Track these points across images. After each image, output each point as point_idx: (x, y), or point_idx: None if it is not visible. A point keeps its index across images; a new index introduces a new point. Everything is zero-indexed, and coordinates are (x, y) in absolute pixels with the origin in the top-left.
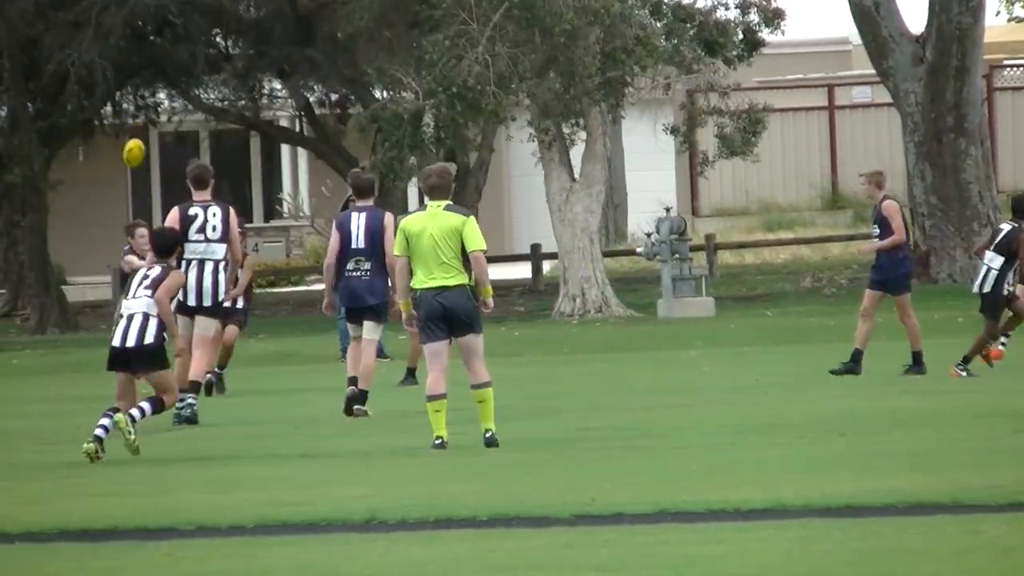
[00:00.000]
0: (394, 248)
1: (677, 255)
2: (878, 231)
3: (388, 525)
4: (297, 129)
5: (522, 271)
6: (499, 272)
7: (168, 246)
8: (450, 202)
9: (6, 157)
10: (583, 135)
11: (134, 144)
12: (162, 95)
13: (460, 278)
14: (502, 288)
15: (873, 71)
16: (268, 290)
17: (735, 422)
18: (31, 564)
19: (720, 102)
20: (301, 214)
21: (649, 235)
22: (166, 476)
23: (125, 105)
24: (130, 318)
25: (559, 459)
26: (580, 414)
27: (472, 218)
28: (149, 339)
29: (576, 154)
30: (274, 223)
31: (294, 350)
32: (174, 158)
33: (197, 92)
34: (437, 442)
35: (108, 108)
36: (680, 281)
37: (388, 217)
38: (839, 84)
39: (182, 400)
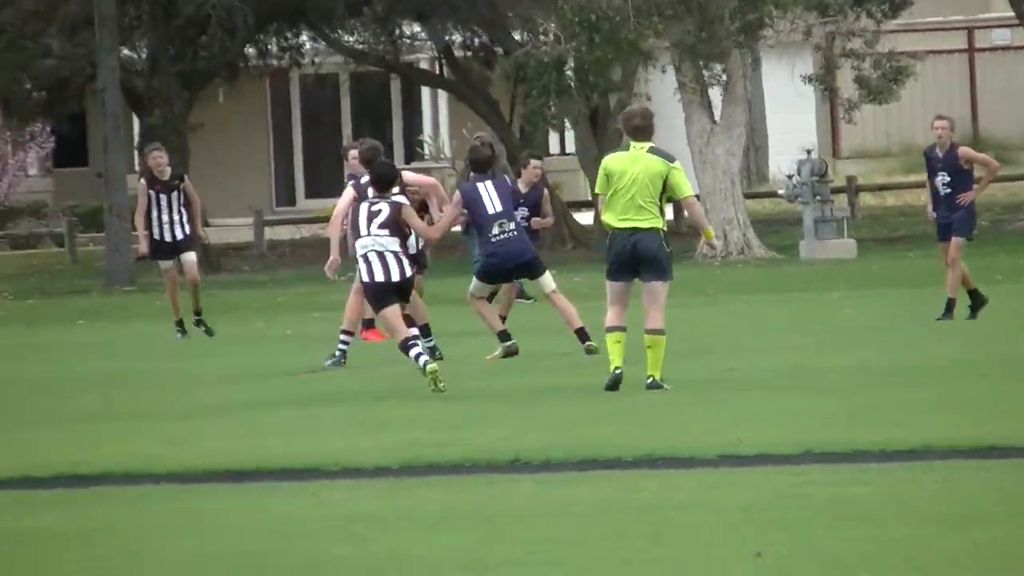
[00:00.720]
0: (596, 186)
1: (818, 197)
2: (948, 178)
3: (532, 466)
4: (437, 72)
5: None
6: None
7: (388, 181)
8: (654, 144)
9: (147, 99)
10: (723, 78)
11: None
12: (304, 37)
13: (655, 221)
14: None
15: (1012, 14)
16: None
17: (877, 363)
18: (177, 504)
19: (860, 47)
20: (442, 156)
21: (790, 177)
22: (311, 417)
23: (267, 47)
24: (381, 255)
25: (703, 400)
26: (724, 355)
27: (678, 163)
28: (408, 272)
29: (717, 97)
30: (415, 165)
31: (437, 291)
32: (315, 101)
33: (338, 35)
34: (616, 372)
35: (250, 50)
36: (821, 223)
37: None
38: (979, 27)
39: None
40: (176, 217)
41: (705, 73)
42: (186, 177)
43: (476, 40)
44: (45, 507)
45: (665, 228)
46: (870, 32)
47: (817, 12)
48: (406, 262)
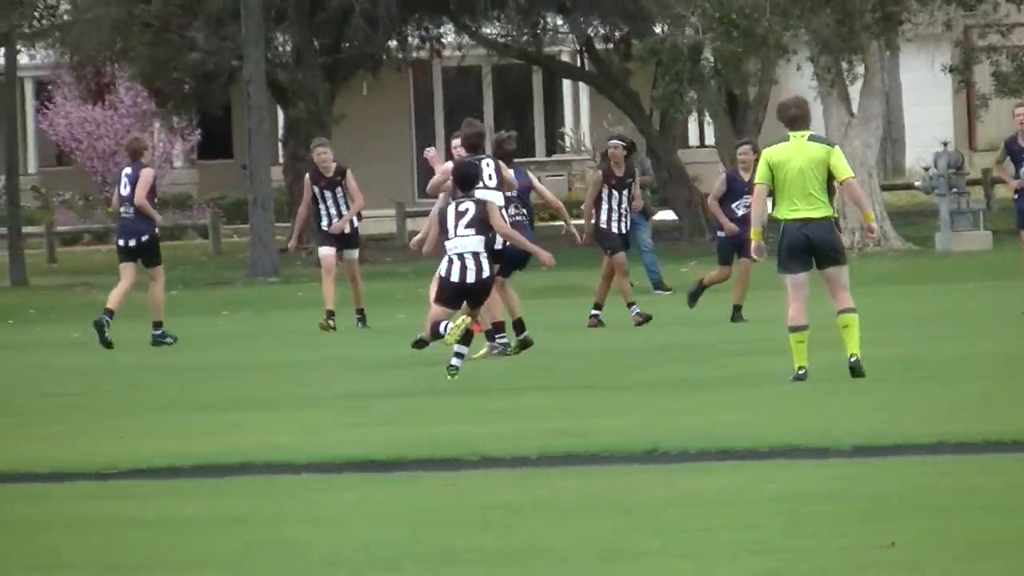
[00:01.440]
0: (756, 176)
1: (955, 189)
2: None
3: (669, 456)
4: (578, 64)
5: None
6: None
7: (471, 180)
8: (812, 132)
9: (291, 92)
10: (861, 70)
11: None
12: (446, 29)
13: (825, 210)
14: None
15: None
16: (550, 223)
17: (1013, 354)
18: (317, 493)
19: (998, 40)
20: (583, 148)
21: (927, 169)
22: (450, 406)
23: (410, 39)
24: (461, 257)
25: (839, 391)
26: (865, 346)
27: (837, 147)
28: (485, 274)
29: (854, 89)
30: (556, 157)
31: (576, 283)
32: (457, 92)
33: (480, 27)
34: (800, 373)
35: (392, 43)
36: (958, 215)
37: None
38: None
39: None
40: (342, 211)
41: (843, 66)
42: (348, 172)
43: (617, 33)
44: (189, 496)
45: (836, 215)
46: (1008, 25)
47: (956, 4)
48: (485, 265)
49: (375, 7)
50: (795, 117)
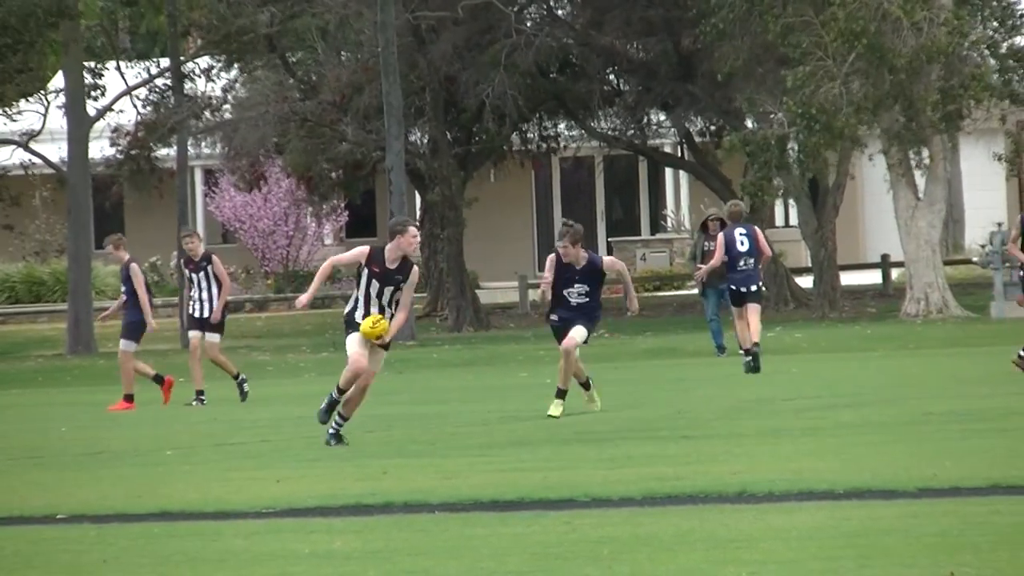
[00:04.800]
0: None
1: (1008, 263)
2: None
3: (757, 497)
4: (679, 154)
5: (873, 277)
6: (853, 278)
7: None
8: None
9: (428, 179)
10: (926, 160)
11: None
12: (562, 125)
13: None
14: (856, 291)
15: None
16: (654, 294)
17: None
18: (448, 531)
19: None
20: (682, 227)
21: (983, 246)
22: (565, 454)
23: (530, 134)
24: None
25: (905, 439)
26: (924, 400)
27: None
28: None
29: (920, 176)
30: (659, 236)
31: (676, 346)
32: (572, 179)
33: (593, 123)
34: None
35: (515, 137)
36: (1011, 286)
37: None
38: None
39: None
40: (211, 294)
41: (911, 156)
42: (214, 258)
43: (712, 127)
44: (339, 532)
45: None
46: None
47: (1009, 101)
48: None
49: (503, 105)
50: None
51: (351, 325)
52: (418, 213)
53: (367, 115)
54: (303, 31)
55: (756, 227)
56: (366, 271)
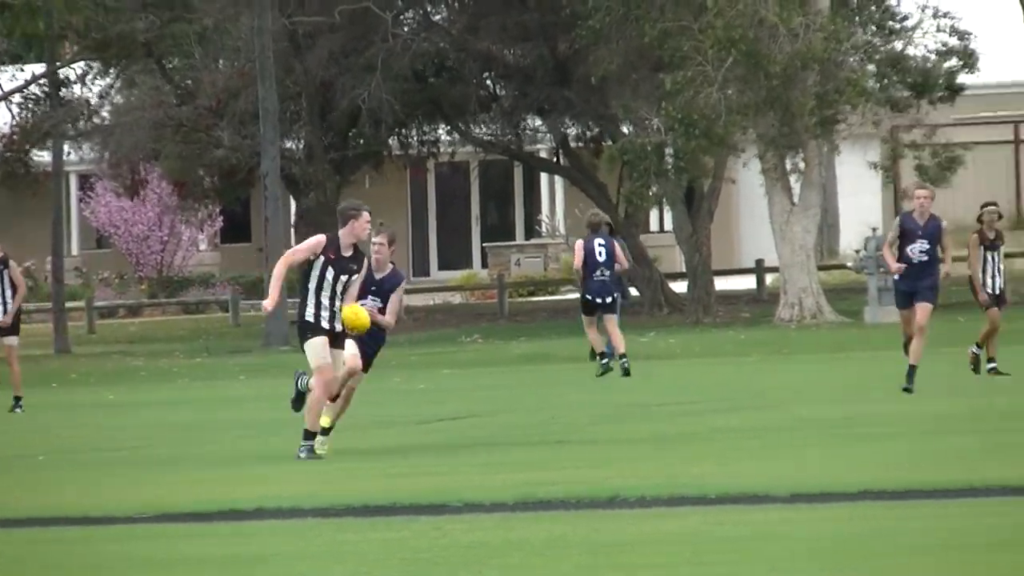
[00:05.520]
0: None
1: (881, 269)
2: (928, 246)
3: (630, 502)
4: (554, 160)
5: (748, 282)
6: (727, 283)
7: None
8: None
9: (303, 184)
10: (802, 165)
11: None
12: (439, 130)
13: None
14: (731, 297)
15: None
16: (528, 299)
17: (933, 412)
18: (320, 536)
19: (921, 138)
20: (557, 233)
21: (857, 251)
22: (438, 459)
23: (409, 139)
24: None
25: (779, 445)
26: (798, 406)
27: None
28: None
29: (795, 181)
30: (533, 241)
31: (550, 351)
32: (448, 185)
33: (469, 128)
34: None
35: (393, 141)
36: (884, 291)
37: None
38: None
39: None
40: (6, 296)
41: (787, 161)
42: (11, 262)
43: (588, 132)
44: (211, 536)
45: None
46: (929, 126)
47: (888, 107)
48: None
49: (379, 110)
50: None
51: (310, 329)
52: (292, 218)
53: (243, 120)
54: (181, 37)
55: (615, 239)
56: (322, 259)
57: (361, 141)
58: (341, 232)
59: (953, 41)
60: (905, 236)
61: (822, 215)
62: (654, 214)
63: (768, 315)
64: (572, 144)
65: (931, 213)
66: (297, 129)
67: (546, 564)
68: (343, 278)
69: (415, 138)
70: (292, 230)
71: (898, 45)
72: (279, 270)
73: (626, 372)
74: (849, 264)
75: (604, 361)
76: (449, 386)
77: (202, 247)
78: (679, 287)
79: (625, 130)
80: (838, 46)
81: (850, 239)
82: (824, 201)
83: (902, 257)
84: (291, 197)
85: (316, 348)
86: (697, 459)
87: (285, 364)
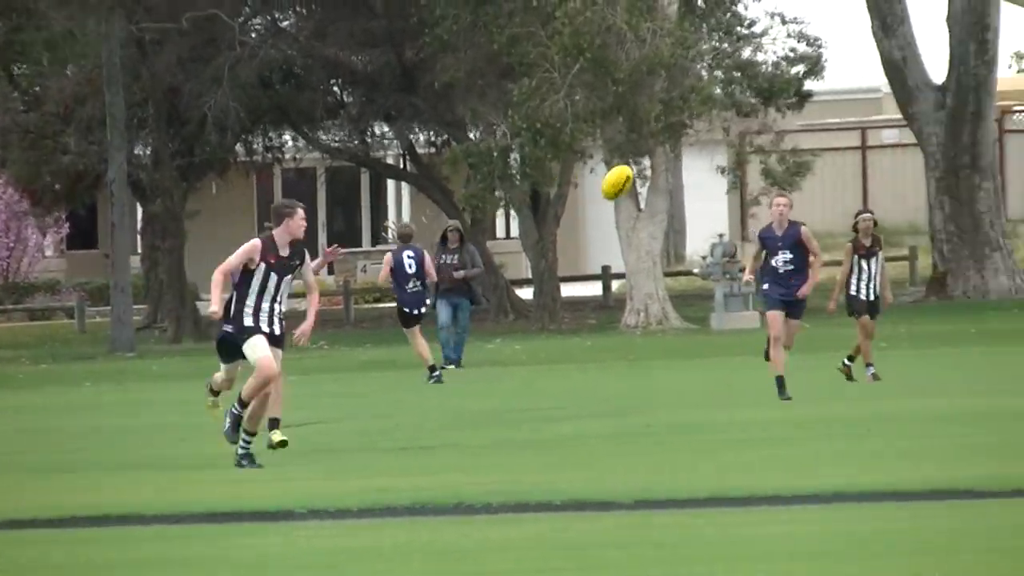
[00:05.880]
0: None
1: (728, 275)
2: (791, 255)
3: (475, 508)
4: (401, 166)
5: (594, 289)
6: (574, 289)
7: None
8: None
9: (149, 190)
10: (648, 171)
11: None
12: (286, 136)
13: None
14: (577, 303)
15: (900, 116)
16: (374, 305)
17: (777, 418)
18: (164, 544)
19: (769, 144)
20: None
21: (704, 258)
22: (283, 465)
23: (254, 145)
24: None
25: (625, 451)
26: (644, 412)
27: None
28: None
29: (641, 187)
30: (380, 247)
31: (395, 357)
32: (295, 190)
33: (316, 134)
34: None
35: (239, 148)
36: (730, 297)
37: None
38: (871, 127)
39: None
40: None
41: (633, 167)
42: None
43: (436, 138)
44: (54, 543)
45: None
46: (776, 132)
47: (734, 111)
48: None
49: (225, 117)
50: None
51: (249, 332)
52: (139, 224)
53: (90, 127)
54: (29, 44)
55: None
56: (263, 265)
57: (207, 148)
58: (276, 231)
59: (802, 47)
60: (767, 249)
61: (669, 221)
62: (500, 220)
63: (614, 321)
64: (419, 150)
65: (790, 220)
66: (144, 136)
67: (391, 571)
68: (287, 278)
69: (261, 144)
70: (139, 236)
71: (747, 51)
72: (217, 278)
73: (439, 380)
74: (696, 270)
75: (436, 374)
76: (294, 392)
77: (48, 253)
78: (525, 293)
79: (472, 136)
80: (685, 52)
81: (697, 245)
82: (671, 207)
83: (768, 268)
84: (138, 203)
85: (256, 345)
86: (543, 466)
87: (129, 371)
